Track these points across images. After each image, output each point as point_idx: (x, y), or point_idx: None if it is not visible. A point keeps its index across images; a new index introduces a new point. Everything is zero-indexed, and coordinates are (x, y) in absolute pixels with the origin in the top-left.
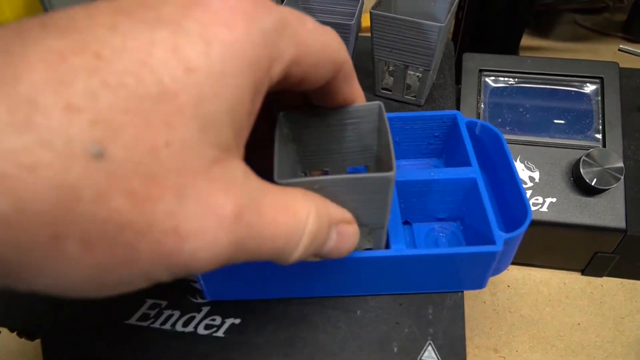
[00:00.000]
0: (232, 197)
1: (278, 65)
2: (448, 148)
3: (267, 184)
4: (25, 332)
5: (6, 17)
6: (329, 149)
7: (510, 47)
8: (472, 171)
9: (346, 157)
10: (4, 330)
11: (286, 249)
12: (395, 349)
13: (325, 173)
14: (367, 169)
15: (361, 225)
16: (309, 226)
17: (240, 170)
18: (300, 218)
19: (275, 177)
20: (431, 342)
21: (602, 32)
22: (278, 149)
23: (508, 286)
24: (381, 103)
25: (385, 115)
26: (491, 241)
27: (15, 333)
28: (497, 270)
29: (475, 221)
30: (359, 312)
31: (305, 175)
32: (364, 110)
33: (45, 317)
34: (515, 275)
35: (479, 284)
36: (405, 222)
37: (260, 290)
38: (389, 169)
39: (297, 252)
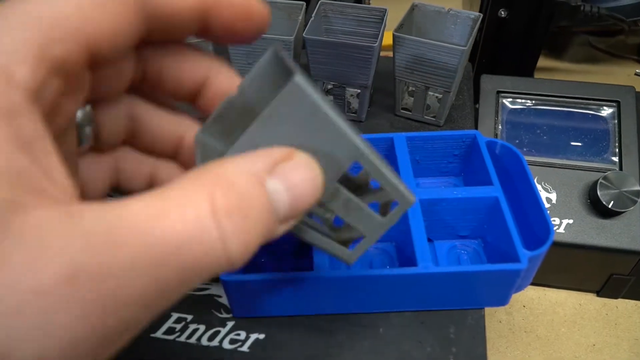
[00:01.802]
0: (50, 267)
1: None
2: (467, 167)
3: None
4: None
5: None
6: None
7: (527, 69)
8: (494, 190)
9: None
10: None
11: (193, 268)
12: None
13: None
14: None
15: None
16: (220, 214)
17: (58, 213)
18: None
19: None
20: None
21: (617, 55)
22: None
23: (524, 306)
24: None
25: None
26: (515, 259)
27: None
28: (519, 288)
29: (497, 239)
30: (381, 329)
31: None
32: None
33: None
34: (530, 296)
35: (502, 300)
36: (427, 240)
37: (285, 306)
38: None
39: (226, 252)
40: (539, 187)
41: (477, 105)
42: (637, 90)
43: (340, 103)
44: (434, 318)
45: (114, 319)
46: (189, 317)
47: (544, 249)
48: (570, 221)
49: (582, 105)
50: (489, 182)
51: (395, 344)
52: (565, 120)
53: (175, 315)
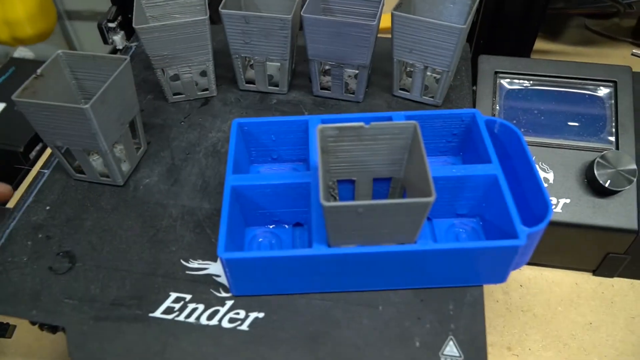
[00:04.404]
0: None
1: None
2: (466, 146)
3: None
4: (46, 325)
5: (19, 16)
6: (359, 161)
7: (524, 50)
8: (493, 168)
9: (374, 169)
10: (23, 324)
11: None
12: (418, 344)
13: (352, 183)
14: (391, 180)
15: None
16: None
17: None
18: None
19: (322, 199)
20: (452, 337)
21: (612, 37)
22: (322, 168)
23: (521, 285)
24: (417, 123)
25: (420, 135)
26: (513, 236)
27: (36, 326)
28: (517, 265)
29: (495, 217)
30: (381, 307)
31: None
32: (400, 127)
33: (70, 312)
34: (527, 275)
35: (501, 277)
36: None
37: (285, 285)
38: (428, 194)
39: None
40: (536, 166)
41: (474, 88)
42: (633, 70)
43: (338, 84)
44: (433, 295)
45: None
46: (188, 297)
47: (542, 226)
48: (567, 201)
49: (580, 86)
50: (487, 161)
51: (394, 321)
52: (562, 100)
53: (173, 295)
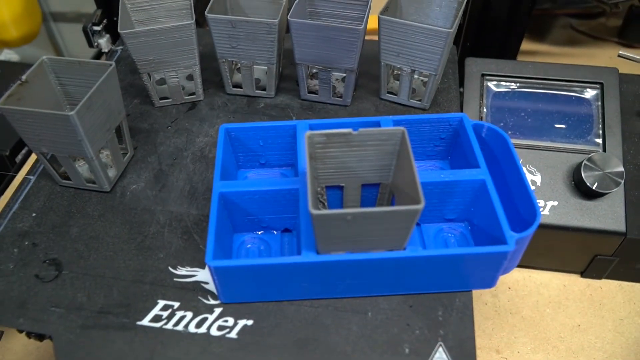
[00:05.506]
0: None
1: None
2: (454, 150)
3: None
4: (34, 334)
5: (3, 18)
6: (347, 167)
7: (510, 52)
8: (481, 172)
9: (362, 175)
10: (9, 331)
11: None
12: (407, 350)
13: (340, 189)
14: (380, 186)
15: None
16: None
17: None
18: None
19: (311, 208)
20: (442, 344)
21: (598, 37)
22: (310, 175)
23: (509, 288)
24: (405, 129)
25: (409, 141)
26: (502, 241)
27: (24, 333)
28: (507, 270)
29: (484, 222)
30: (370, 313)
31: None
32: (388, 133)
33: (57, 320)
34: (515, 277)
35: (490, 283)
36: None
37: (273, 292)
38: (417, 201)
39: None
40: (523, 169)
41: (461, 89)
42: (620, 71)
43: (326, 87)
44: (422, 301)
45: None
46: (176, 304)
47: (530, 231)
48: (555, 203)
49: (566, 88)
50: (475, 165)
51: (383, 328)
52: (549, 102)
53: (161, 303)
